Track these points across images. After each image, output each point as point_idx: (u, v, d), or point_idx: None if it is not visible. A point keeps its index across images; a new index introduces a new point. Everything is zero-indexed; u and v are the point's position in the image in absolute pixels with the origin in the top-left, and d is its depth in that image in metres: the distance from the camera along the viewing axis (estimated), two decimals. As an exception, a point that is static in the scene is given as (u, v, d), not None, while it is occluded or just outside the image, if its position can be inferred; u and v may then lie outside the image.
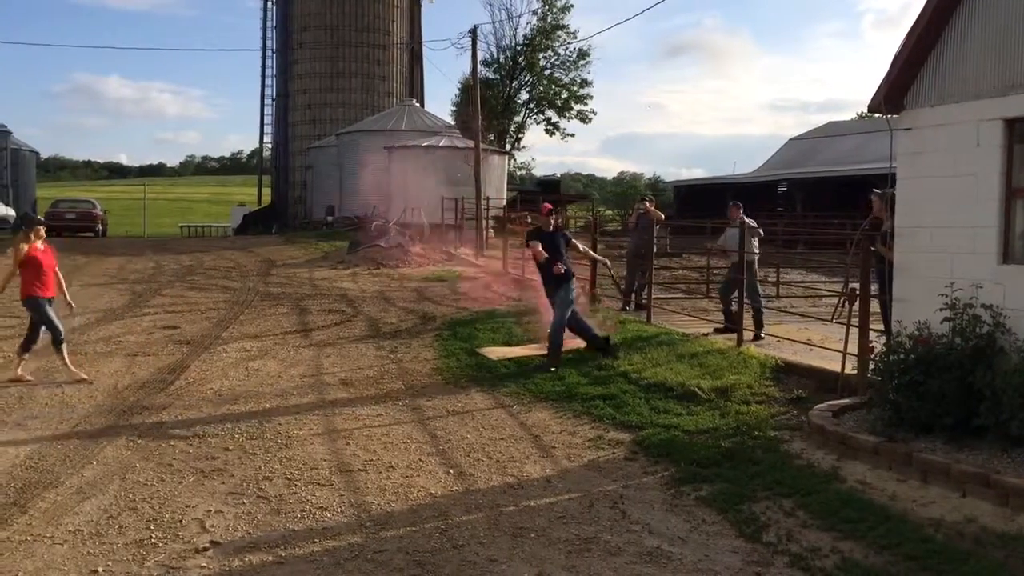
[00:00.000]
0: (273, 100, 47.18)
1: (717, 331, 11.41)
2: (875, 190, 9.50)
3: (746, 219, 11.45)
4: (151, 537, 5.32)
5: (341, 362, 10.82)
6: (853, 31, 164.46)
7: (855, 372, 8.31)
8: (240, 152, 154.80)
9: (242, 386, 9.48)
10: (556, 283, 10.44)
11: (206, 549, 5.17)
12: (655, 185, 79.66)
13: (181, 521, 5.60)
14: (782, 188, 40.13)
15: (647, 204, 14.95)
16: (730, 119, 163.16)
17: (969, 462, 6.01)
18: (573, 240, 11.30)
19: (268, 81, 47.66)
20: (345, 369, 10.39)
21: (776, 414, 7.96)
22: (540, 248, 10.42)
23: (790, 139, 47.99)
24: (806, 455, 6.82)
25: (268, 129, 48.25)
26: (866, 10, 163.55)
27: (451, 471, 6.75)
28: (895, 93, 7.72)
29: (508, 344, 11.69)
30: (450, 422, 8.19)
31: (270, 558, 5.06)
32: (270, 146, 48.20)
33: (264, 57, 47.89)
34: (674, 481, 6.43)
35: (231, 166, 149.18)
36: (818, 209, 32.00)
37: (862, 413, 7.44)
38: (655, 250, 14.35)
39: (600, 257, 12.75)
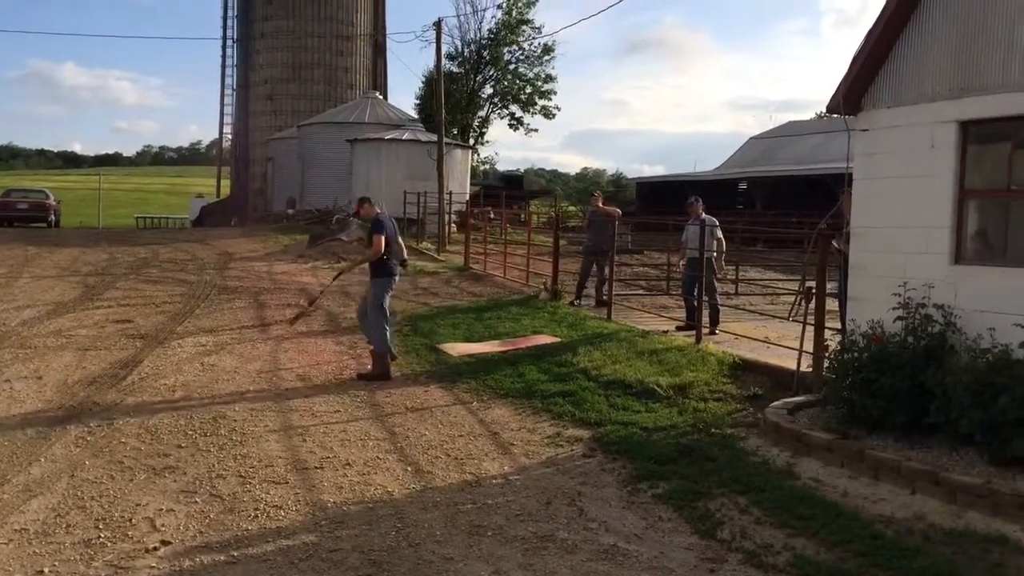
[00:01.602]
0: (234, 90, 46.49)
1: (679, 328, 11.48)
2: (847, 188, 9.51)
3: (706, 216, 11.55)
4: (100, 536, 5.20)
5: (299, 357, 10.70)
6: (814, 30, 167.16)
7: (811, 370, 8.41)
8: (199, 142, 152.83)
9: (197, 381, 9.33)
10: (375, 275, 9.87)
11: (156, 549, 5.07)
12: (618, 181, 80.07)
13: (131, 520, 5.49)
14: (742, 186, 40.55)
15: (595, 200, 14.99)
16: (692, 117, 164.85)
17: (919, 460, 6.12)
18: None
19: (228, 71, 46.96)
20: (303, 364, 10.27)
21: (733, 411, 8.03)
22: (383, 242, 9.72)
23: (751, 138, 48.45)
24: (761, 452, 6.89)
25: (228, 119, 47.54)
26: (827, 10, 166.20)
27: (409, 468, 6.70)
28: (853, 94, 7.82)
29: (469, 340, 11.66)
30: (409, 419, 8.14)
31: (222, 558, 4.98)
32: (230, 137, 47.52)
33: (224, 46, 47.17)
34: (631, 478, 6.45)
35: (190, 156, 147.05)
36: (777, 207, 32.37)
37: (817, 410, 7.53)
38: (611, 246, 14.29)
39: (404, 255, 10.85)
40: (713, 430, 7.45)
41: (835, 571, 4.73)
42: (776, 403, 7.70)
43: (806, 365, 8.49)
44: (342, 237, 22.65)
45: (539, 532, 5.40)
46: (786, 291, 16.90)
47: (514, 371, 9.80)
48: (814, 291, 8.57)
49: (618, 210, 14.75)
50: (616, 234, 14.21)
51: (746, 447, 7.02)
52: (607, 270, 14.09)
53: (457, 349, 11.07)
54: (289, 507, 5.82)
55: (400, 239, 10.47)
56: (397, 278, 10.17)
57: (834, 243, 9.27)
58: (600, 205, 14.67)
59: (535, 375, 9.55)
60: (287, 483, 6.29)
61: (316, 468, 6.65)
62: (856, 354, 7.11)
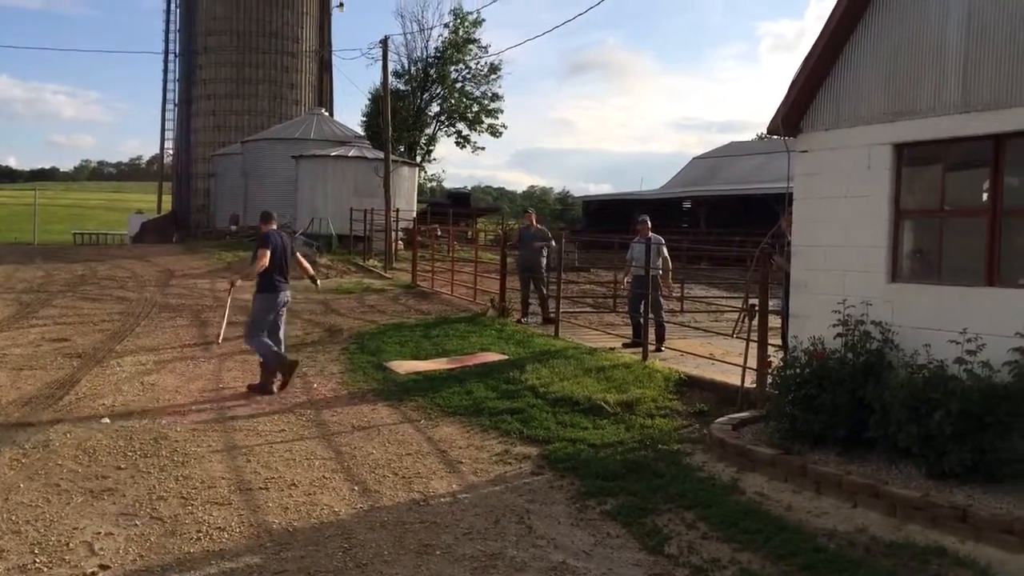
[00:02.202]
0: (176, 105, 45.72)
1: (626, 345, 11.59)
2: (788, 208, 9.69)
3: (652, 235, 11.70)
4: (35, 562, 5.03)
5: (243, 376, 10.52)
6: (752, 54, 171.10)
7: (755, 386, 8.55)
8: (139, 158, 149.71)
9: (136, 401, 9.11)
10: (258, 290, 9.85)
11: (95, 574, 4.92)
12: (564, 199, 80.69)
13: (68, 544, 5.32)
14: (686, 205, 41.17)
15: (528, 217, 15.10)
16: (637, 137, 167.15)
17: (860, 473, 6.25)
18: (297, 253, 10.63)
19: (171, 85, 46.19)
20: (247, 383, 10.09)
21: (679, 427, 8.12)
22: (268, 257, 9.68)
23: (694, 158, 49.36)
24: (707, 467, 6.97)
25: (170, 135, 46.70)
26: (765, 34, 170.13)
27: (356, 488, 6.62)
28: (792, 116, 8.02)
29: (416, 358, 11.60)
30: (356, 437, 8.05)
31: (163, 582, 4.85)
32: (171, 152, 46.66)
33: (167, 60, 46.42)
34: (580, 495, 6.47)
35: (129, 172, 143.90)
36: (720, 226, 32.97)
37: (761, 426, 7.65)
38: (546, 263, 14.35)
39: (311, 271, 11.26)
40: (660, 446, 7.52)
41: (780, 584, 4.80)
42: (721, 419, 7.80)
43: (750, 381, 8.63)
44: (287, 254, 22.32)
45: (488, 550, 5.38)
46: (730, 308, 17.15)
47: (462, 389, 9.77)
48: (757, 308, 8.72)
49: (547, 232, 14.75)
50: (550, 253, 14.29)
51: (692, 463, 7.10)
52: (544, 288, 14.18)
53: (404, 367, 11.00)
54: (233, 529, 5.70)
55: (299, 257, 10.57)
56: (283, 295, 10.02)
57: (775, 259, 9.47)
58: (534, 222, 14.75)
59: (483, 392, 9.54)
60: (230, 504, 6.17)
61: (261, 489, 6.53)
62: (798, 370, 7.25)
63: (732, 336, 9.55)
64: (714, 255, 26.14)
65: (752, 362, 8.65)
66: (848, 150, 7.60)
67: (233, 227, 34.55)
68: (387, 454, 7.53)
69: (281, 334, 10.07)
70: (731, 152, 47.15)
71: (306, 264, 10.76)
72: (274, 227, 10.16)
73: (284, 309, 10.14)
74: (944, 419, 5.94)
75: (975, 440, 5.92)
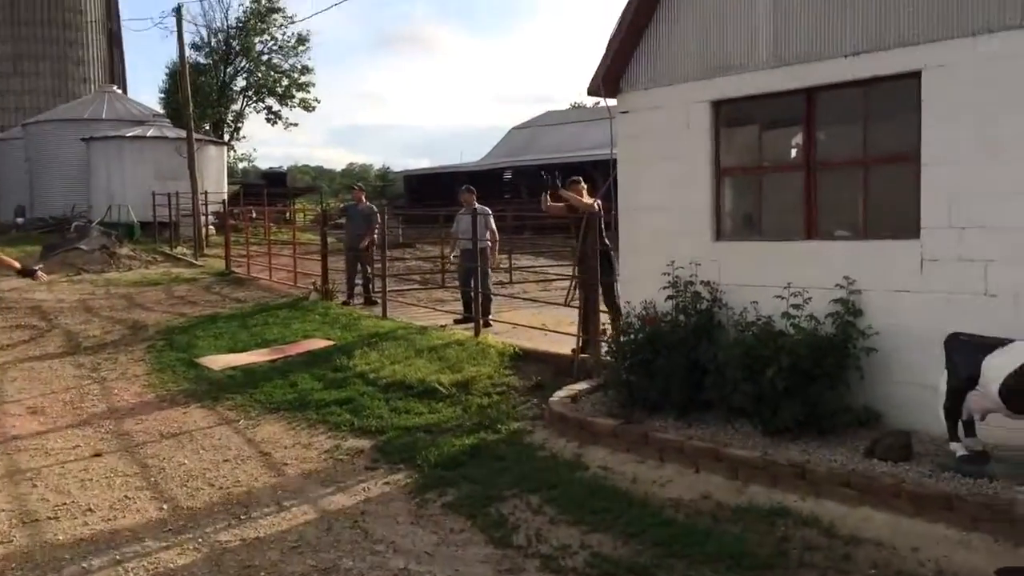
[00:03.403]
0: (-59, 86, 40.88)
1: (457, 322, 11.17)
2: (570, 181, 9.50)
3: (478, 206, 11.33)
4: None
5: (30, 386, 9.31)
6: (563, 26, 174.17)
7: (589, 355, 8.41)
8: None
9: None
10: None
11: None
12: (385, 175, 79.33)
13: None
14: (507, 176, 41.31)
15: (357, 193, 14.37)
16: (453, 111, 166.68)
17: (700, 437, 6.17)
18: None
19: (-67, 64, 41.21)
20: (34, 395, 8.93)
21: (517, 404, 7.83)
22: None
23: (512, 128, 49.55)
24: (549, 445, 6.72)
25: (-64, 119, 41.76)
26: (574, 5, 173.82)
27: (165, 507, 5.86)
28: (611, 76, 7.82)
29: (232, 351, 10.72)
30: (164, 447, 7.21)
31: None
32: (-61, 139, 41.74)
33: (-74, 36, 41.33)
34: (418, 488, 6.03)
35: None
36: (541, 195, 33.21)
37: (599, 396, 7.49)
38: (375, 241, 13.77)
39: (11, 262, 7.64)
40: (499, 426, 7.20)
41: (633, 566, 4.57)
42: (559, 392, 7.57)
43: (584, 351, 8.48)
44: (81, 246, 20.37)
45: (320, 564, 4.85)
46: (558, 276, 17.21)
47: (285, 381, 9.07)
48: (586, 277, 8.56)
49: (374, 209, 14.03)
50: (378, 230, 13.70)
51: (533, 441, 6.82)
52: (369, 268, 13.59)
53: (219, 362, 10.12)
54: (13, 572, 4.85)
55: None
56: None
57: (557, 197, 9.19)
58: (362, 199, 14.06)
59: (308, 383, 8.88)
60: (11, 542, 5.27)
61: (49, 519, 5.65)
62: (632, 336, 7.13)
63: (565, 304, 9.37)
64: (537, 224, 26.28)
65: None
66: (667, 109, 7.49)
67: (19, 220, 31.27)
68: (201, 463, 6.78)
69: None
70: (548, 121, 47.68)
71: (6, 258, 8.42)
72: None
73: None
74: (776, 375, 5.94)
75: (805, 394, 5.97)
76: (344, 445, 7.11)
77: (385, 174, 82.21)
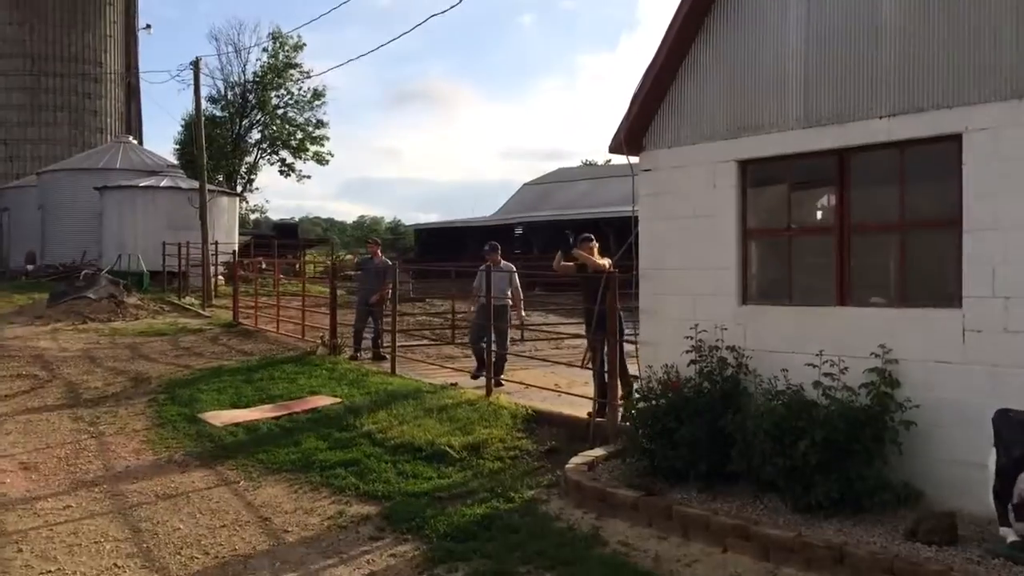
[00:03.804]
0: (-41, 133, 41.30)
1: (473, 377, 10.70)
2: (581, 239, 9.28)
3: (504, 262, 11.10)
4: None
5: (24, 440, 8.98)
6: (571, 85, 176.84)
7: (605, 419, 8.08)
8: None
9: None
10: None
11: None
12: (396, 228, 79.69)
13: None
14: (518, 231, 41.29)
15: (372, 247, 14.14)
16: (464, 166, 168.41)
17: (726, 512, 5.81)
18: None
19: (-47, 113, 41.70)
20: (28, 449, 8.60)
21: (531, 470, 7.46)
22: None
23: (524, 184, 49.73)
24: (565, 516, 6.34)
25: (-46, 166, 42.09)
26: (582, 66, 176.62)
27: (156, 576, 5.51)
28: (634, 134, 7.64)
29: (236, 407, 10.39)
30: (160, 509, 6.86)
31: None
32: (-44, 185, 42.04)
33: (-52, 85, 41.90)
34: (427, 562, 5.66)
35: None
36: (553, 251, 33.07)
37: (617, 463, 7.15)
38: (387, 295, 13.58)
39: None
40: (512, 494, 6.82)
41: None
42: (575, 459, 7.22)
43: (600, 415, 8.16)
44: (89, 295, 20.19)
45: (319, 647, 4.47)
46: (570, 335, 16.89)
47: (289, 440, 8.73)
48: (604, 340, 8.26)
49: (388, 262, 13.83)
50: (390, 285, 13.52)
51: (549, 511, 6.45)
52: (380, 323, 13.33)
53: (221, 417, 9.78)
54: (-12, 650, 4.49)
55: None
56: None
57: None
58: (378, 254, 13.85)
59: (313, 443, 8.53)
60: (-10, 614, 4.93)
61: (33, 588, 5.30)
62: (653, 402, 6.80)
63: (582, 367, 9.05)
64: (548, 281, 26.06)
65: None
66: (692, 168, 7.28)
67: (29, 266, 31.25)
68: (198, 528, 6.42)
69: None
70: (560, 178, 47.89)
71: None
72: None
73: None
74: (810, 449, 5.60)
75: (840, 469, 5.62)
76: (348, 511, 6.75)
77: (396, 227, 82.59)
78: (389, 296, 12.78)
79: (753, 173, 6.97)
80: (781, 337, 6.57)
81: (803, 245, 6.88)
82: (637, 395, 7.03)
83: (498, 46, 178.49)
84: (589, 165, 63.65)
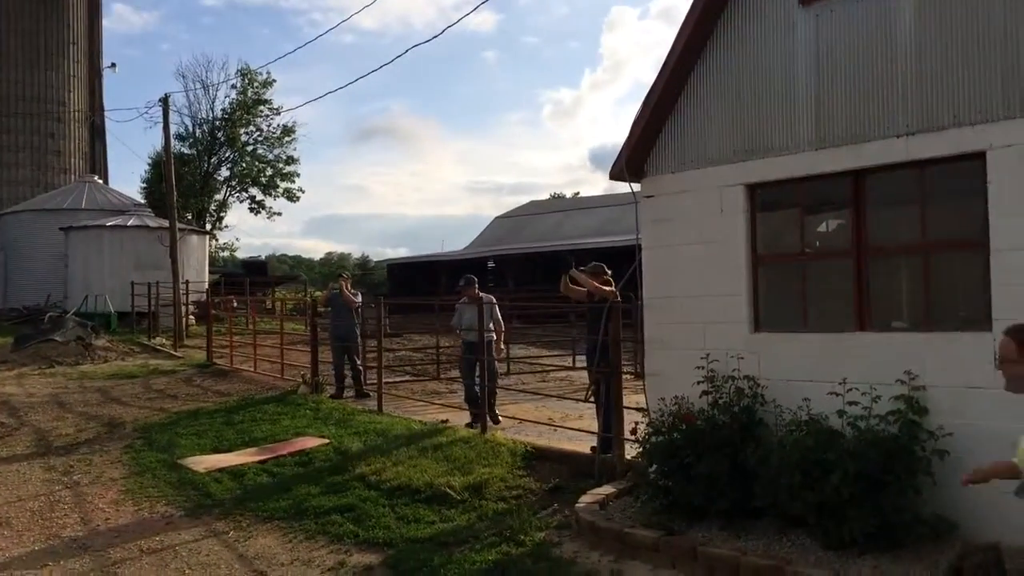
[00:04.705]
0: (-84, 175, 40.29)
1: (468, 425, 10.15)
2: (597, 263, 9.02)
3: (483, 295, 10.77)
4: None
5: (-6, 494, 8.46)
6: (535, 120, 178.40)
7: (611, 454, 7.78)
8: None
9: None
10: None
11: None
12: (365, 264, 79.14)
13: None
14: (491, 264, 41.07)
15: (342, 283, 13.66)
16: (431, 200, 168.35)
17: (755, 552, 5.51)
18: None
19: (-91, 152, 40.70)
20: (-2, 504, 8.09)
21: (538, 510, 7.11)
22: None
23: (496, 218, 49.67)
24: (582, 559, 6.00)
25: (-91, 209, 41.01)
26: (545, 101, 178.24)
27: (148, 641, 5.07)
28: (636, 160, 7.43)
29: (218, 451, 9.93)
30: (145, 566, 6.40)
31: None
32: (-89, 229, 40.91)
33: (-97, 125, 40.92)
34: (441, 615, 5.29)
35: None
36: (527, 284, 32.90)
37: (629, 500, 6.85)
38: (359, 331, 13.25)
39: None
40: (522, 537, 6.46)
41: None
42: (585, 498, 6.89)
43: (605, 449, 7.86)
44: (55, 338, 19.53)
45: None
46: (555, 367, 16.60)
47: (278, 485, 8.31)
48: (609, 372, 7.98)
49: (358, 300, 13.43)
50: (359, 320, 13.18)
51: (563, 555, 6.10)
52: (358, 359, 12.94)
53: (204, 463, 9.32)
54: None
55: None
56: None
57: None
58: (347, 288, 13.37)
59: (305, 488, 8.12)
60: None
61: (12, 659, 4.84)
62: (665, 435, 6.52)
63: (585, 400, 8.75)
64: (527, 313, 25.81)
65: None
66: (698, 193, 7.07)
67: (-9, 310, 30.34)
68: (188, 585, 5.99)
69: None
70: (531, 211, 47.90)
71: None
72: None
73: None
74: (842, 482, 5.34)
75: (874, 503, 5.36)
76: (349, 561, 6.35)
77: (365, 263, 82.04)
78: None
79: (762, 197, 6.77)
80: (798, 365, 6.33)
81: (818, 269, 6.67)
82: (649, 429, 6.74)
83: (461, 81, 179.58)
84: (558, 198, 63.86)
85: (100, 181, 36.27)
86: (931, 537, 5.42)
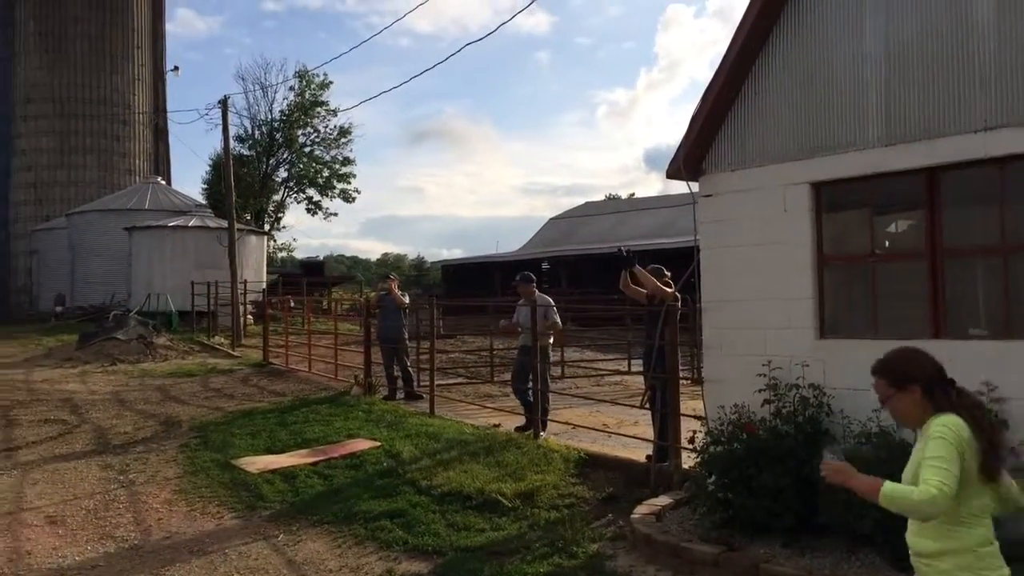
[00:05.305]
0: (-10, 177, 41.75)
1: (519, 429, 9.95)
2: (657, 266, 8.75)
3: (539, 295, 10.54)
4: None
5: (51, 490, 8.54)
6: (590, 120, 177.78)
7: (666, 463, 7.52)
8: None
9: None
10: None
11: None
12: (420, 265, 79.67)
13: None
14: (545, 266, 40.88)
15: (390, 284, 13.62)
16: (485, 202, 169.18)
17: (824, 572, 5.23)
18: None
19: (-16, 156, 42.19)
20: (55, 501, 8.16)
21: (591, 520, 6.90)
22: None
23: (550, 219, 49.53)
24: (636, 574, 5.77)
25: (-17, 210, 42.48)
26: (600, 102, 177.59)
27: (193, 648, 5.00)
28: (694, 158, 7.17)
29: (271, 451, 9.92)
30: (193, 568, 6.36)
31: None
32: (-15, 229, 42.40)
33: (-22, 130, 42.45)
34: (489, 629, 5.12)
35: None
36: (581, 285, 32.64)
37: (685, 512, 6.58)
38: (407, 333, 13.21)
39: None
40: (575, 548, 6.26)
41: None
42: (641, 509, 6.66)
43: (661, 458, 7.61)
44: (118, 336, 19.94)
45: None
46: (609, 371, 16.35)
47: (329, 487, 8.24)
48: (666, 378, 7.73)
49: (406, 299, 13.36)
50: (407, 321, 13.16)
51: (618, 568, 5.88)
52: (406, 360, 12.87)
53: (257, 464, 9.31)
54: None
55: None
56: None
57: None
58: (395, 289, 13.31)
59: (355, 491, 8.03)
60: None
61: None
62: (724, 445, 6.25)
63: (640, 407, 8.51)
64: (581, 316, 25.57)
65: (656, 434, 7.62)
66: (760, 192, 6.78)
67: (59, 308, 31.23)
68: (236, 589, 5.92)
69: None
70: (586, 212, 47.63)
71: None
72: None
73: None
74: (916, 499, 5.00)
75: (950, 521, 5.02)
76: (398, 569, 6.22)
77: (420, 264, 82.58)
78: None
79: (829, 195, 6.46)
80: (868, 374, 5.98)
81: (888, 272, 6.33)
82: (707, 438, 6.48)
83: (515, 83, 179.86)
84: (613, 199, 63.39)
85: (163, 182, 37.11)
86: (1014, 558, 5.06)
